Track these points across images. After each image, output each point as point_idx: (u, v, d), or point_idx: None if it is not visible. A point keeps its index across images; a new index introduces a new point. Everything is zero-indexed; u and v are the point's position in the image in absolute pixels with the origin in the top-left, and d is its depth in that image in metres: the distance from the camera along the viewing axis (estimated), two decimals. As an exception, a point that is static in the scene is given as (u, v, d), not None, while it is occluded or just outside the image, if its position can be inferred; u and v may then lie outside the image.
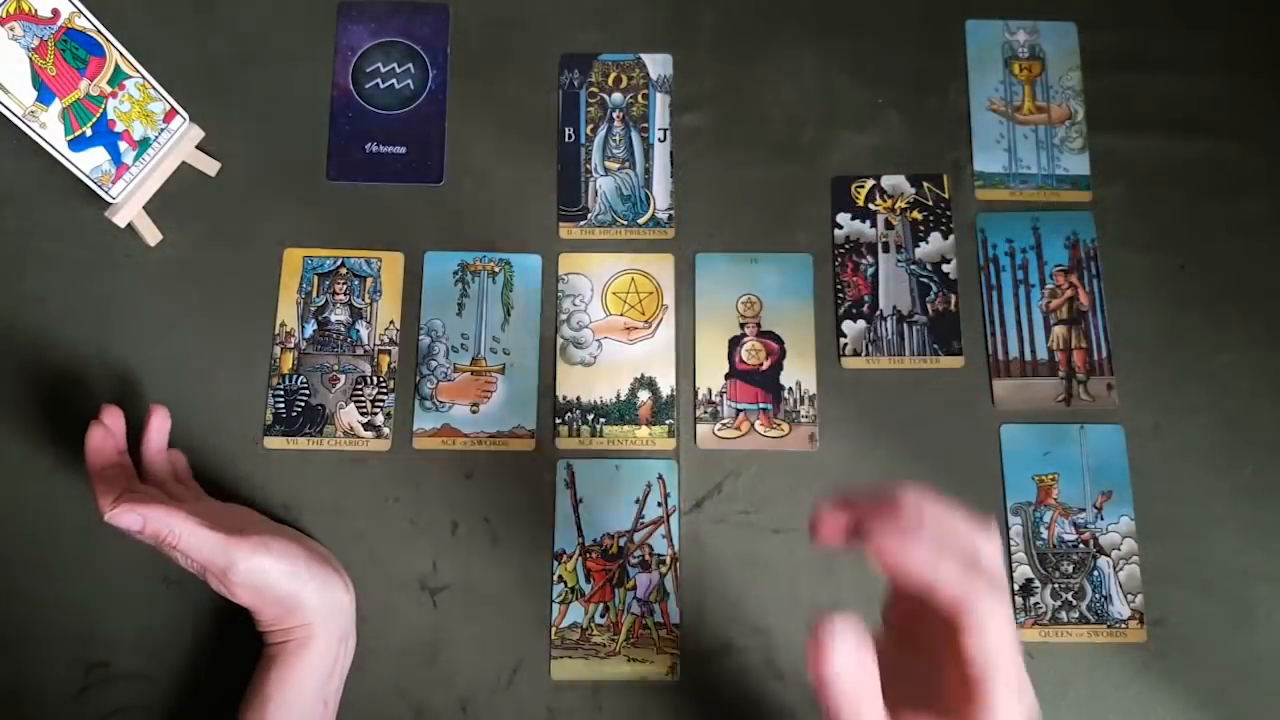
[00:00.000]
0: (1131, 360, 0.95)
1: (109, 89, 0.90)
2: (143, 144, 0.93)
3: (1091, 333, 0.96)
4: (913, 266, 0.98)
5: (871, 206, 0.99)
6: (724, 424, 0.94)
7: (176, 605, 0.89)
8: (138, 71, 0.92)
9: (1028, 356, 0.95)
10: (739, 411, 0.94)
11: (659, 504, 0.91)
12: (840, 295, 0.97)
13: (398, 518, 0.91)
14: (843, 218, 0.99)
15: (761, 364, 0.95)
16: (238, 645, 0.88)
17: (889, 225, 0.99)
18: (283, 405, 0.93)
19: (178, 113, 0.95)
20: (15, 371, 0.93)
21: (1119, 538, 0.91)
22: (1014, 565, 0.90)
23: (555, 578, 0.90)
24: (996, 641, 0.51)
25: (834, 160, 1.00)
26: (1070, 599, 0.89)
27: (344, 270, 0.97)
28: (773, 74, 1.02)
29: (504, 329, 0.96)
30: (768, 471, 0.93)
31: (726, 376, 0.95)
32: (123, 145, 0.92)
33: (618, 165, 1.00)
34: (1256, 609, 0.89)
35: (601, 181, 1.00)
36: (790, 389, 0.94)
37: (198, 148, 0.97)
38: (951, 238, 0.98)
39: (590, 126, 1.01)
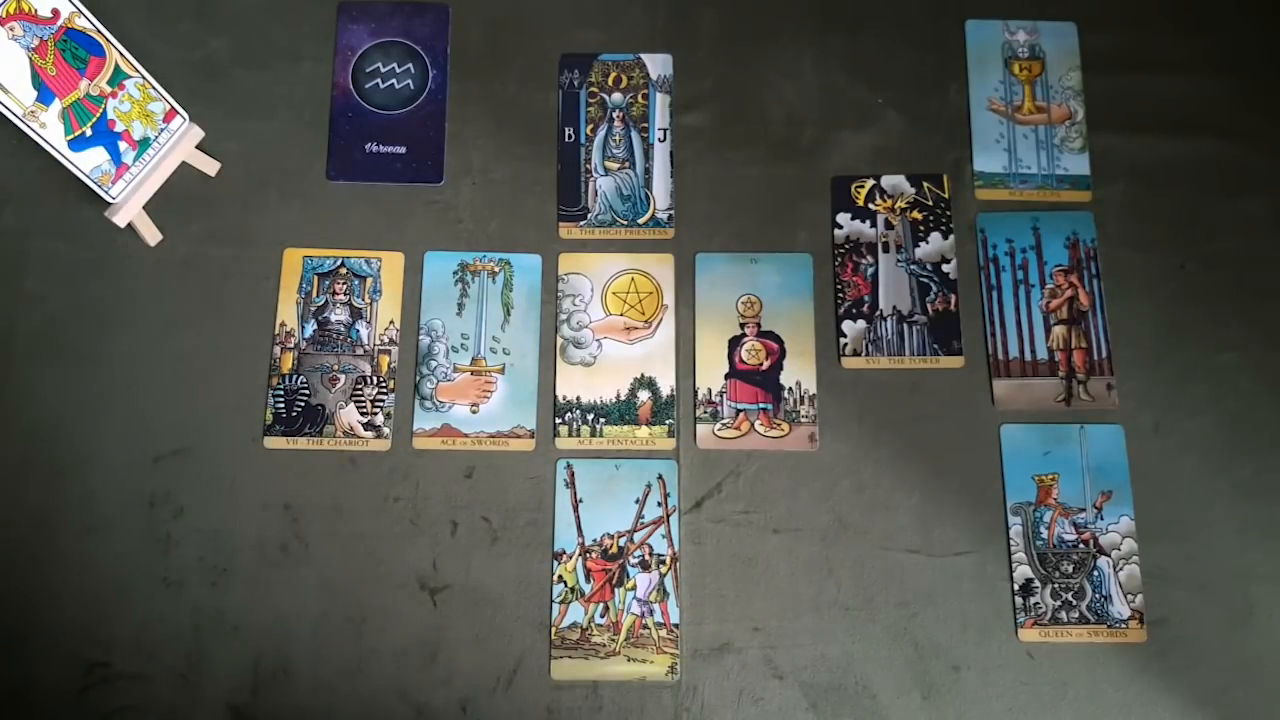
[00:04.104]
0: (1131, 360, 0.95)
1: (109, 89, 0.90)
2: (143, 144, 0.93)
3: (1091, 333, 0.96)
4: (913, 266, 0.98)
5: (871, 206, 0.99)
6: (724, 424, 0.94)
7: (176, 605, 0.89)
8: (138, 71, 0.92)
9: (1028, 356, 0.95)
10: (739, 411, 0.94)
11: (659, 504, 0.91)
12: (840, 295, 0.97)
13: (398, 518, 0.91)
14: (843, 218, 0.99)
15: (761, 364, 0.95)
16: (238, 645, 0.88)
17: (889, 225, 0.99)
18: (283, 405, 0.93)
19: (178, 113, 0.95)
20: (15, 371, 0.93)
21: (1119, 538, 0.91)
22: (1014, 565, 0.90)
23: (555, 578, 0.90)
24: None
25: (834, 160, 1.00)
26: (1070, 599, 0.89)
27: (344, 270, 0.97)
28: (773, 74, 1.02)
29: (504, 329, 0.96)
30: (768, 471, 0.93)
31: (726, 376, 0.95)
32: (123, 145, 0.92)
33: (618, 165, 1.00)
34: (1256, 609, 0.89)
35: (601, 181, 1.00)
36: (790, 389, 0.94)
37: (198, 148, 0.97)
38: (951, 238, 0.98)
39: (590, 126, 1.01)
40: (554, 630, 0.89)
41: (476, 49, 1.03)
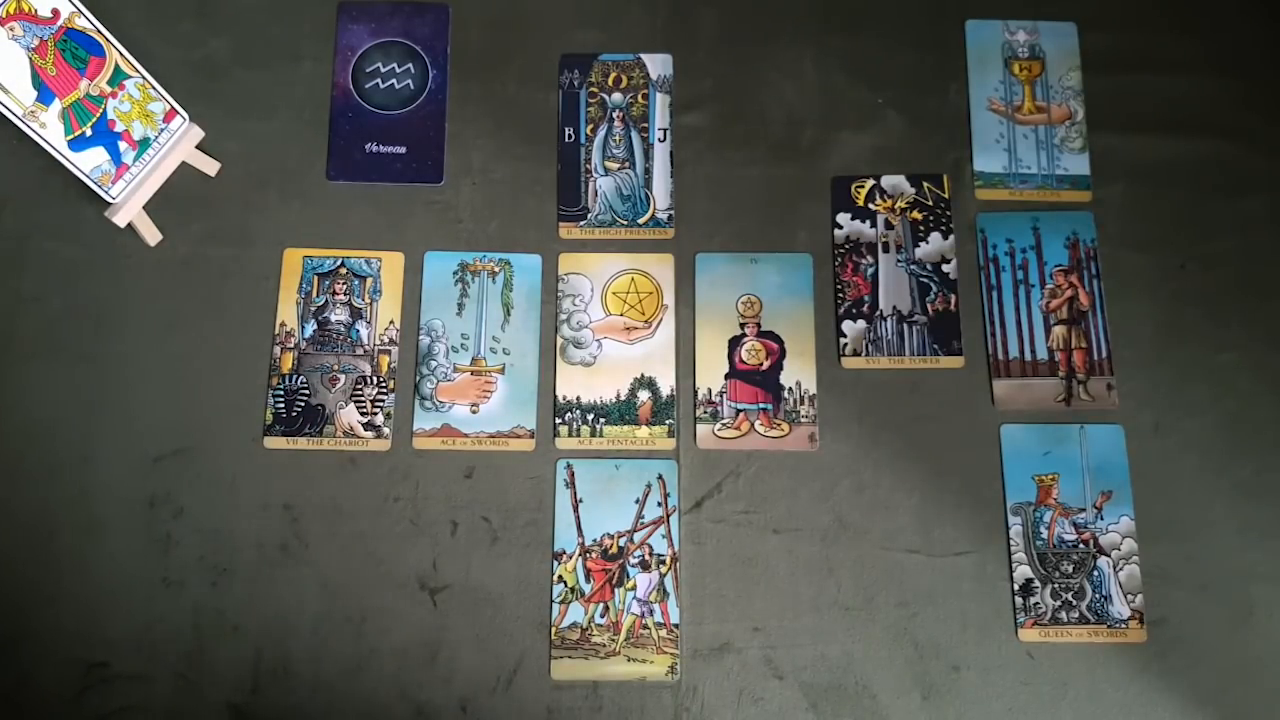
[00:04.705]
0: (1131, 360, 0.95)
1: (109, 89, 0.90)
2: (143, 144, 0.93)
3: (1091, 333, 0.96)
4: (913, 266, 0.98)
5: (871, 206, 0.99)
6: (724, 424, 0.94)
7: (176, 605, 0.89)
8: (138, 71, 0.92)
9: (1028, 356, 0.95)
10: (739, 411, 0.94)
11: (659, 504, 0.91)
12: (840, 295, 0.97)
13: (398, 518, 0.91)
14: (843, 218, 0.99)
15: (761, 364, 0.95)
16: (238, 645, 0.88)
17: (889, 225, 0.99)
18: (283, 405, 0.93)
19: (178, 113, 0.95)
20: (14, 371, 0.93)
21: (1119, 538, 0.91)
22: (1014, 565, 0.90)
23: (555, 578, 0.90)
24: None
25: (834, 160, 1.00)
26: (1070, 599, 0.89)
27: (344, 270, 0.97)
28: (773, 74, 1.02)
29: (504, 329, 0.96)
30: (768, 471, 0.93)
31: (726, 376, 0.95)
32: (123, 145, 0.92)
33: (618, 165, 1.00)
34: (1256, 609, 0.89)
35: (601, 181, 1.00)
36: (790, 389, 0.94)
37: (198, 148, 0.97)
38: (951, 238, 0.98)
39: (590, 126, 1.01)
40: (554, 630, 0.89)
41: (476, 49, 1.03)
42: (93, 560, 0.89)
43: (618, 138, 1.01)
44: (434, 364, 0.95)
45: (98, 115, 0.89)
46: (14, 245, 0.96)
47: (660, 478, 0.92)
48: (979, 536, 0.91)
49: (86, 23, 0.88)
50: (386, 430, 0.93)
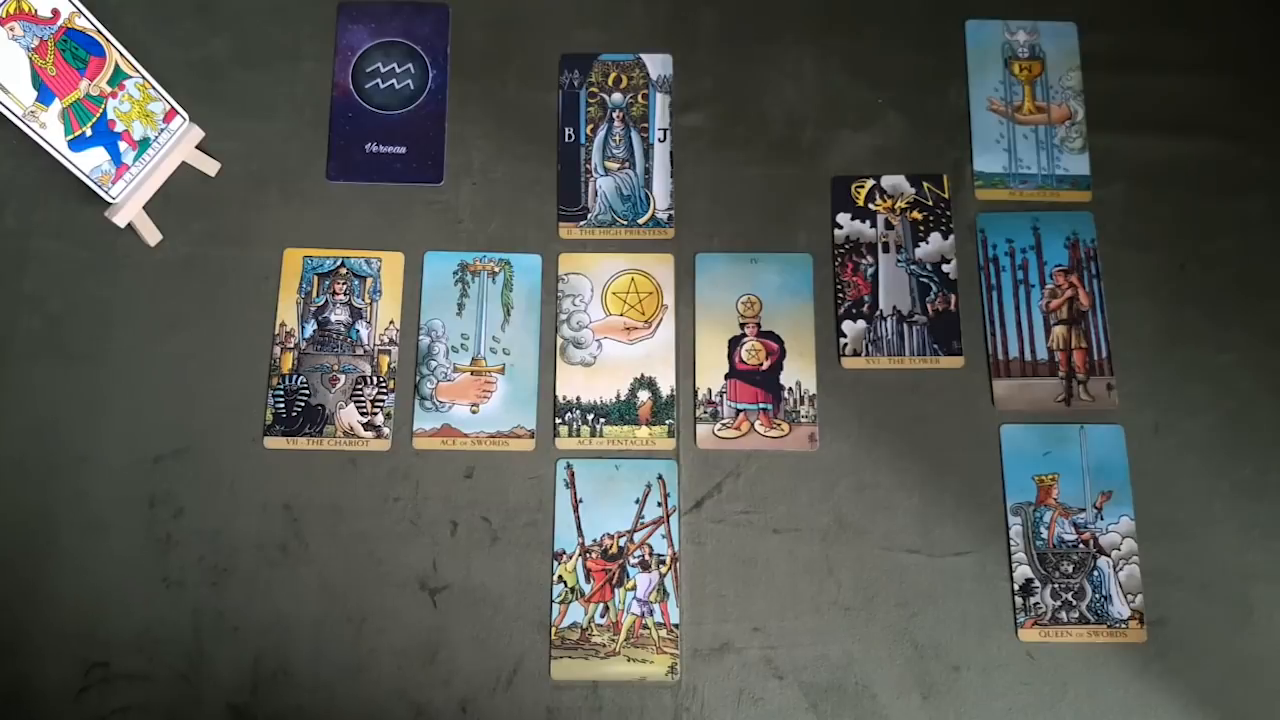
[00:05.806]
0: (1131, 360, 0.95)
1: (109, 89, 0.90)
2: (143, 144, 0.93)
3: (1091, 333, 0.96)
4: (913, 266, 0.98)
5: (871, 206, 0.99)
6: (724, 424, 0.94)
7: (176, 605, 0.89)
8: (138, 71, 0.92)
9: (1028, 356, 0.95)
10: (739, 411, 0.94)
11: (659, 504, 0.91)
12: (840, 295, 0.97)
13: (398, 518, 0.91)
14: (843, 218, 0.99)
15: (761, 364, 0.95)
16: (238, 645, 0.88)
17: (889, 225, 0.99)
18: (283, 405, 0.93)
19: (178, 113, 0.95)
20: (15, 371, 0.93)
21: (1119, 538, 0.91)
22: (1014, 565, 0.90)
23: (555, 578, 0.90)
24: None
25: (834, 160, 1.00)
26: (1070, 599, 0.89)
27: (344, 270, 0.97)
28: (773, 74, 1.03)
29: (504, 329, 0.96)
30: (768, 471, 0.93)
31: (726, 376, 0.95)
32: (123, 145, 0.92)
33: (618, 165, 1.00)
34: (1256, 609, 0.89)
35: (601, 181, 1.00)
36: (790, 389, 0.94)
37: (198, 148, 0.97)
38: (951, 238, 0.98)
39: (590, 126, 1.01)
40: (554, 630, 0.89)
41: (476, 49, 1.03)
42: (93, 560, 0.89)
43: (618, 138, 1.01)
44: (434, 364, 0.95)
45: (98, 115, 0.89)
46: (14, 245, 0.96)
47: (660, 478, 0.92)
48: (979, 536, 0.91)
49: (86, 23, 0.88)
50: (386, 430, 0.93)
